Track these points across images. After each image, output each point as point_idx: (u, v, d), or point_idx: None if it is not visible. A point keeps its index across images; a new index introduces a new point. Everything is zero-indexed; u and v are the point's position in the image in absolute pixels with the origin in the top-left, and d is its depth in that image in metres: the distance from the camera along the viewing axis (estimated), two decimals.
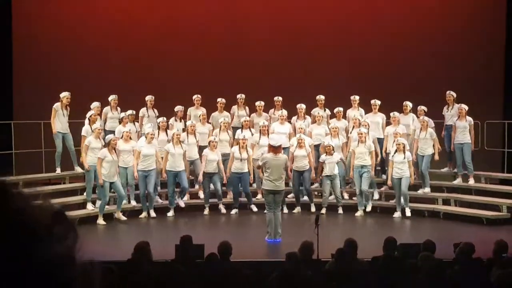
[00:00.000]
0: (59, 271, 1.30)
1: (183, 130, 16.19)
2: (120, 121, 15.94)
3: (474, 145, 16.28)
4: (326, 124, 16.76)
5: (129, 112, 16.09)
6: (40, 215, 1.32)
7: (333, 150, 15.78)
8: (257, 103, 17.03)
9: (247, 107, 17.28)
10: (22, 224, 1.29)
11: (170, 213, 15.67)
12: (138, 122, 16.46)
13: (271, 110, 17.20)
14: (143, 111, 16.72)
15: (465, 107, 16.05)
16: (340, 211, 15.97)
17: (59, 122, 15.68)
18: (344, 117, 16.83)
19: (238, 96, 17.23)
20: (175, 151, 15.35)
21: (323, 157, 15.92)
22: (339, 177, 15.92)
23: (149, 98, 16.78)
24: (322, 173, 15.92)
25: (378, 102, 16.66)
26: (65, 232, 1.34)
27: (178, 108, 16.63)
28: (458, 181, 16.34)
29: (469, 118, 16.07)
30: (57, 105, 15.69)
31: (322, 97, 16.99)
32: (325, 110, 16.98)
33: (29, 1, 18.99)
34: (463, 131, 16.04)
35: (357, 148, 15.69)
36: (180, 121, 16.57)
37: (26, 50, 18.77)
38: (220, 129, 16.30)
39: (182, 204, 15.89)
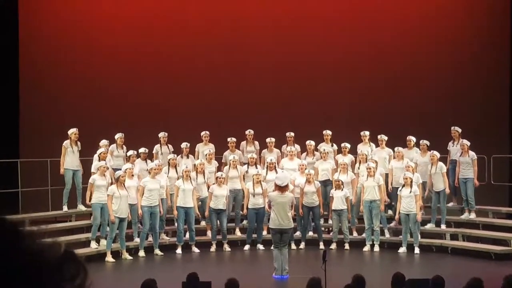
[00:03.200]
0: None
1: (194, 166, 16.24)
2: (128, 159, 15.98)
3: (479, 179, 16.24)
4: (332, 159, 16.79)
5: (142, 150, 16.15)
6: (50, 254, 1.33)
7: (342, 184, 15.78)
8: (268, 140, 17.09)
9: (256, 142, 17.35)
10: (32, 264, 1.30)
11: (178, 251, 15.61)
12: (150, 160, 16.41)
13: (284, 146, 17.25)
14: (156, 148, 16.81)
15: (467, 142, 16.06)
16: (347, 247, 15.91)
17: (69, 159, 15.74)
18: (355, 152, 16.84)
19: (247, 132, 17.31)
20: (185, 187, 15.37)
21: (332, 191, 15.95)
22: (347, 213, 15.89)
23: (162, 135, 16.88)
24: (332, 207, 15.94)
25: (385, 137, 16.70)
26: (75, 271, 1.35)
27: (184, 145, 16.67)
28: (465, 216, 16.29)
29: (471, 153, 16.07)
30: (66, 143, 15.77)
31: (329, 132, 17.04)
32: (332, 145, 17.02)
33: (36, 38, 19.12)
34: (467, 166, 16.05)
35: (366, 182, 15.70)
36: (188, 157, 16.61)
37: (32, 89, 18.88)
38: (229, 166, 16.35)
39: (196, 250, 15.77)
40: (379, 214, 15.75)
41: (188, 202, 15.44)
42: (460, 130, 16.45)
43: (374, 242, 15.73)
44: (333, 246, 15.90)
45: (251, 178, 15.94)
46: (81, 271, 1.36)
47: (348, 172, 16.22)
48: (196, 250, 15.71)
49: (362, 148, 16.85)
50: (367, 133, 16.95)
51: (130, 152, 15.98)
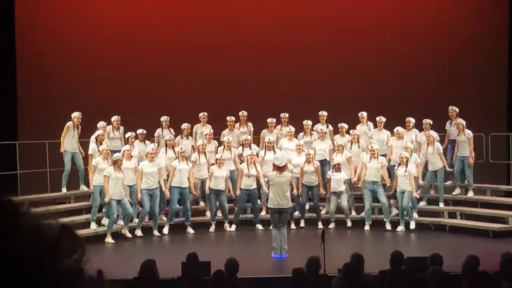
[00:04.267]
0: (68, 285, 1.32)
1: (192, 147, 16.29)
2: (126, 141, 15.99)
3: (477, 158, 16.32)
4: (330, 140, 16.83)
5: (140, 131, 16.12)
6: (48, 231, 1.34)
7: (340, 167, 15.80)
8: (269, 120, 17.11)
9: (249, 124, 17.34)
10: (31, 241, 1.31)
11: (166, 230, 15.57)
12: (149, 141, 16.37)
13: (278, 126, 17.28)
14: (158, 131, 16.83)
15: (462, 122, 16.08)
16: (349, 223, 15.94)
17: (69, 141, 15.76)
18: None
19: (240, 113, 17.30)
20: (181, 167, 15.38)
21: (329, 173, 15.97)
22: (346, 193, 15.92)
23: (164, 118, 16.90)
24: (330, 189, 15.97)
25: (383, 119, 16.68)
26: (73, 247, 1.36)
27: (185, 125, 16.68)
28: (457, 192, 16.39)
29: (467, 132, 16.08)
30: (69, 124, 15.78)
31: (325, 113, 17.06)
32: (327, 126, 17.04)
33: (32, 20, 19.06)
34: (463, 145, 16.08)
35: (369, 163, 15.70)
36: (187, 138, 16.62)
37: (30, 70, 18.83)
38: (224, 148, 16.35)
39: (191, 231, 15.80)
40: (383, 192, 15.75)
41: (184, 182, 15.46)
42: (457, 110, 16.44)
43: (385, 220, 15.73)
44: (332, 225, 15.94)
45: (246, 159, 15.98)
46: (79, 247, 1.37)
47: (344, 152, 16.23)
48: (191, 230, 15.74)
49: (360, 128, 16.89)
50: (364, 114, 16.96)
51: (129, 134, 15.99)
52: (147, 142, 16.26)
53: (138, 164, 15.31)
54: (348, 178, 16.07)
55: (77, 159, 15.92)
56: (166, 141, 16.13)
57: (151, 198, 15.15)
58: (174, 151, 16.01)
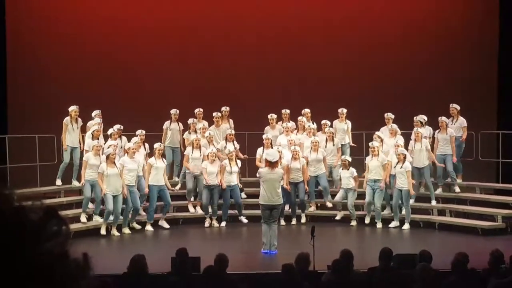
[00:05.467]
0: (53, 267, 1.31)
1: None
2: (109, 136, 15.76)
3: (467, 155, 16.47)
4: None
5: (117, 126, 15.94)
6: (32, 213, 1.34)
7: (348, 164, 15.86)
8: (269, 116, 17.07)
9: (231, 120, 17.32)
10: (15, 223, 1.30)
11: (148, 228, 15.46)
12: (125, 137, 16.14)
13: (279, 123, 17.26)
14: (166, 124, 16.80)
15: (445, 119, 16.13)
16: (353, 223, 15.93)
17: (69, 136, 15.70)
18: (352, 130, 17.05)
19: (223, 108, 17.28)
20: (157, 165, 15.32)
21: (339, 170, 16.07)
22: (355, 191, 15.93)
23: (173, 112, 16.84)
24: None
25: (392, 116, 16.66)
26: (58, 228, 1.36)
27: (191, 121, 16.67)
28: (439, 191, 16.42)
29: (450, 130, 16.13)
30: (66, 119, 15.71)
31: (307, 110, 17.10)
32: (313, 123, 17.01)
33: (24, 13, 18.95)
34: (445, 143, 16.12)
35: (370, 162, 15.69)
36: (195, 133, 16.56)
37: (21, 64, 18.73)
38: (209, 143, 16.32)
39: (165, 225, 15.69)
40: (381, 195, 15.74)
41: (160, 180, 15.38)
42: (458, 108, 16.48)
43: (376, 220, 15.72)
44: (339, 216, 16.03)
45: (227, 155, 16.00)
46: (64, 228, 1.37)
47: (319, 150, 16.24)
48: (166, 225, 15.64)
49: (338, 125, 16.94)
50: (344, 110, 16.99)
51: (111, 130, 15.73)
52: (124, 138, 16.02)
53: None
54: (356, 174, 16.06)
55: (75, 153, 15.88)
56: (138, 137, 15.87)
57: (130, 194, 14.96)
58: (145, 148, 15.86)
